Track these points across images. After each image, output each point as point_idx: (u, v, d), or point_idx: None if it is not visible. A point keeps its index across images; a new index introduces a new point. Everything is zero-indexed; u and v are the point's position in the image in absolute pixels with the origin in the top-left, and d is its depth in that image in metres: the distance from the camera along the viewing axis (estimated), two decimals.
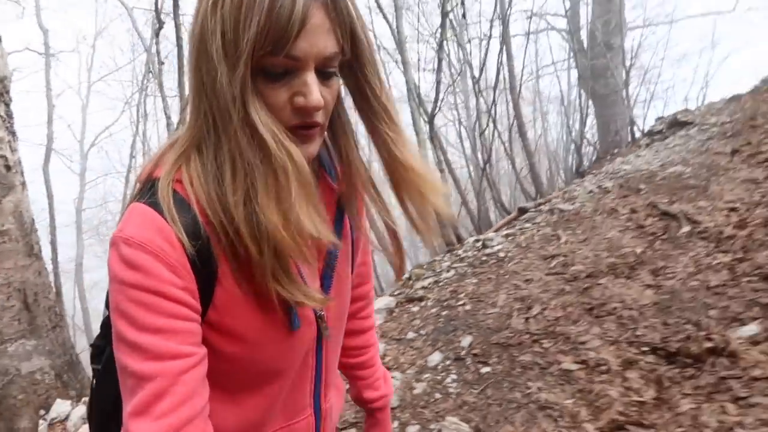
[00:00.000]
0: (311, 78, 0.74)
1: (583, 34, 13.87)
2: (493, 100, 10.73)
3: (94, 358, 0.93)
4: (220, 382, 0.86)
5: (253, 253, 0.76)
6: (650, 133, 9.55)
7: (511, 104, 11.40)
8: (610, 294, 3.16)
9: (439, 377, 2.89)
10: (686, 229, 3.68)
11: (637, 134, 11.38)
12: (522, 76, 13.33)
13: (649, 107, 18.28)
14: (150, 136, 14.58)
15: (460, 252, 4.98)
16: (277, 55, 0.71)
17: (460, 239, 6.64)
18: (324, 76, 0.77)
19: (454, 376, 2.84)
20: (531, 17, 13.54)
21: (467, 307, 3.55)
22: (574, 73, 14.86)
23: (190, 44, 0.77)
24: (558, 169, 20.22)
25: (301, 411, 1.00)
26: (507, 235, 4.77)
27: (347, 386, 1.25)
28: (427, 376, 2.93)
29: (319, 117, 0.78)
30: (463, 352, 3.04)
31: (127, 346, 0.73)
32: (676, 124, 7.80)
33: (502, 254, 4.31)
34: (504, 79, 11.00)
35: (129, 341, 0.73)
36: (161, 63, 8.77)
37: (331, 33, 0.74)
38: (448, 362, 3.00)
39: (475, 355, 2.98)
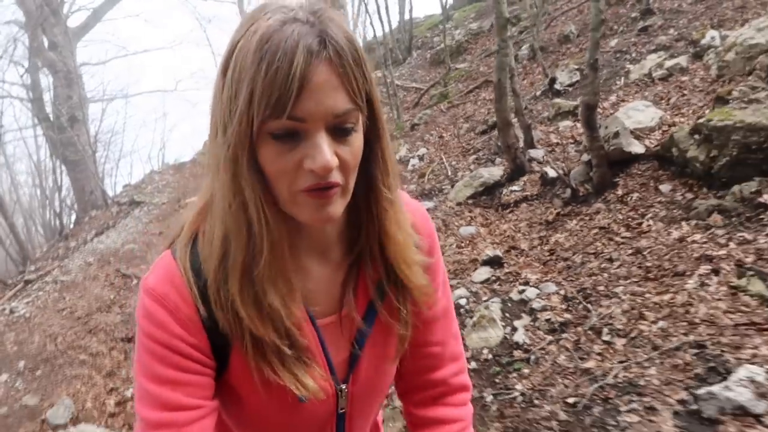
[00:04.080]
0: (321, 139, 0.68)
1: (48, 104, 15.83)
2: None
3: None
4: None
5: (230, 326, 0.77)
6: (119, 203, 12.86)
7: None
8: (99, 321, 6.30)
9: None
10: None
11: (109, 200, 14.06)
12: None
13: (118, 167, 21.60)
14: None
15: None
16: (279, 118, 0.66)
17: None
18: (339, 133, 0.71)
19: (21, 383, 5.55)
20: None
21: (15, 348, 6.16)
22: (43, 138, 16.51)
23: (211, 106, 0.76)
24: (36, 225, 21.73)
25: None
26: (28, 302, 7.35)
27: None
28: None
29: (335, 177, 0.71)
30: (23, 369, 5.72)
31: (140, 391, 0.78)
32: (133, 202, 11.29)
33: (28, 314, 6.93)
34: None
35: (141, 387, 0.78)
36: None
37: (341, 89, 0.68)
38: (17, 376, 5.66)
39: (31, 369, 5.71)
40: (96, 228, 11.38)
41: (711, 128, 3.69)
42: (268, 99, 0.66)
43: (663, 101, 5.09)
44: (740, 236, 3.12)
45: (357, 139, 0.74)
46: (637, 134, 4.47)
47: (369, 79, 0.73)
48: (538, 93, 6.94)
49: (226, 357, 0.81)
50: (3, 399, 5.29)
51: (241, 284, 0.74)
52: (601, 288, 3.33)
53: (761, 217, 3.16)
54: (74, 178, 15.15)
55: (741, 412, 2.16)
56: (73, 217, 15.23)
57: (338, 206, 0.75)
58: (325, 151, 0.68)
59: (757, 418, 2.11)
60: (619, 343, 2.87)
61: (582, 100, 4.21)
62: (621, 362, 2.74)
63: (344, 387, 0.90)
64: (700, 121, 3.84)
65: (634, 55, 6.45)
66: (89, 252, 8.61)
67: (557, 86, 6.58)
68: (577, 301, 3.32)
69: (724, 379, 2.31)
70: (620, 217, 3.85)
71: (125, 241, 8.58)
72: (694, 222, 3.44)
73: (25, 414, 5.04)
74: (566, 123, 5.47)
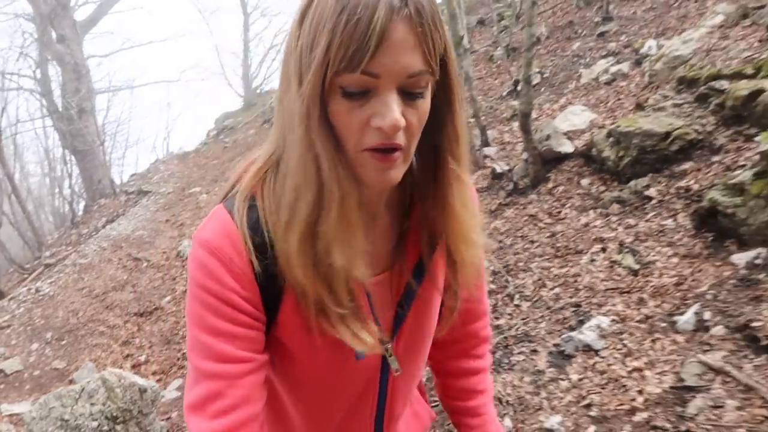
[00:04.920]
0: (391, 97, 0.69)
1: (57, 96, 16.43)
2: None
3: None
4: (276, 394, 0.94)
5: (292, 281, 0.78)
6: (127, 192, 13.67)
7: None
8: (114, 298, 7.17)
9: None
10: (146, 264, 7.96)
11: (117, 189, 14.72)
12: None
13: (124, 156, 22.36)
14: None
15: (19, 297, 8.17)
16: (354, 71, 0.67)
17: (2, 293, 9.51)
18: (409, 96, 0.71)
19: (50, 352, 6.42)
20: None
21: (43, 321, 7.04)
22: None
23: (283, 57, 0.76)
24: (45, 213, 22.65)
25: None
26: (50, 283, 8.22)
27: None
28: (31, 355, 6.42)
29: (401, 139, 0.72)
30: (50, 339, 6.60)
31: (192, 340, 0.81)
32: (141, 192, 12.13)
33: (51, 293, 7.80)
34: None
35: (194, 337, 0.80)
36: None
37: (417, 50, 0.68)
38: (46, 345, 6.53)
39: (57, 339, 6.59)
40: (106, 216, 12.23)
41: (619, 133, 4.49)
42: (345, 51, 0.66)
43: (602, 104, 5.87)
44: (627, 222, 3.93)
45: (424, 104, 0.74)
46: (570, 135, 5.27)
47: (445, 42, 0.73)
48: (504, 93, 7.71)
49: (275, 311, 0.82)
50: (36, 363, 6.17)
51: (301, 241, 0.75)
52: (521, 264, 4.16)
53: (645, 207, 3.97)
54: (83, 168, 15.72)
55: (587, 349, 2.99)
56: (82, 205, 15.82)
57: (400, 170, 0.76)
58: (395, 110, 0.69)
59: (597, 352, 2.94)
60: (525, 305, 3.70)
61: (519, 108, 5.01)
62: (523, 319, 3.57)
63: (389, 346, 0.93)
64: (612, 126, 4.65)
65: (588, 59, 7.21)
66: (103, 238, 9.46)
67: (520, 88, 7.34)
68: (501, 274, 4.15)
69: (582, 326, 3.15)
70: (546, 206, 4.66)
71: (135, 228, 9.43)
72: (599, 210, 4.25)
73: (55, 375, 5.93)
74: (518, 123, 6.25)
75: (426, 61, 0.70)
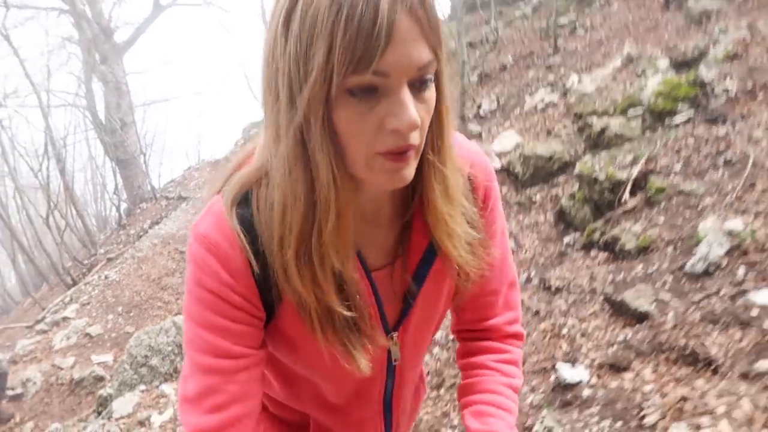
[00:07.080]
0: (404, 95, 0.65)
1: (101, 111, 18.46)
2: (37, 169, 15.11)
3: None
4: (288, 371, 0.98)
5: (290, 294, 0.78)
6: (167, 198, 15.79)
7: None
8: (167, 282, 9.27)
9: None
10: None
11: (158, 194, 16.77)
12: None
13: (161, 164, 24.58)
14: None
15: (93, 282, 10.30)
16: (363, 73, 0.63)
17: (74, 281, 11.68)
18: (418, 88, 0.68)
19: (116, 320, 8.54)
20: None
21: (114, 299, 9.15)
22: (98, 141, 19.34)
23: (263, 63, 0.72)
24: (90, 216, 24.99)
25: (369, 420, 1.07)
26: (116, 271, 10.35)
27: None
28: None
29: (415, 138, 0.69)
30: (121, 312, 8.71)
31: (189, 333, 0.82)
32: (180, 197, 14.26)
33: (118, 279, 9.92)
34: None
35: (191, 330, 0.81)
36: None
37: (422, 39, 0.65)
38: (118, 316, 8.64)
39: (126, 312, 8.70)
40: (150, 218, 14.36)
41: (524, 155, 6.42)
42: (352, 54, 0.61)
43: (532, 129, 7.76)
44: (518, 218, 5.87)
45: (432, 94, 0.71)
46: (500, 154, 7.20)
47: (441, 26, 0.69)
48: (471, 116, 9.60)
49: (274, 307, 0.83)
50: (112, 328, 8.30)
51: (297, 252, 0.74)
52: None
53: (531, 207, 5.91)
54: (124, 176, 17.65)
55: None
56: (123, 209, 17.82)
57: (412, 169, 0.73)
58: (410, 108, 0.65)
59: None
60: None
61: None
62: None
63: (395, 335, 0.94)
64: (520, 150, 6.58)
65: (533, 88, 9.07)
66: (153, 236, 11.56)
67: (481, 112, 9.25)
68: None
69: None
70: None
71: (179, 228, 11.51)
72: (506, 211, 6.18)
73: (127, 337, 8.02)
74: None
75: (432, 50, 0.67)
